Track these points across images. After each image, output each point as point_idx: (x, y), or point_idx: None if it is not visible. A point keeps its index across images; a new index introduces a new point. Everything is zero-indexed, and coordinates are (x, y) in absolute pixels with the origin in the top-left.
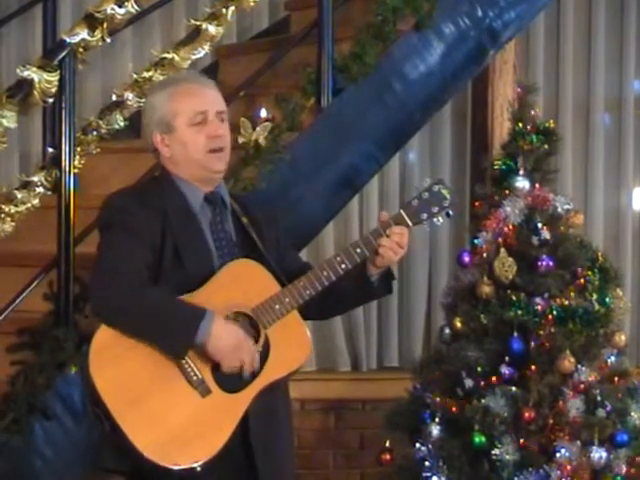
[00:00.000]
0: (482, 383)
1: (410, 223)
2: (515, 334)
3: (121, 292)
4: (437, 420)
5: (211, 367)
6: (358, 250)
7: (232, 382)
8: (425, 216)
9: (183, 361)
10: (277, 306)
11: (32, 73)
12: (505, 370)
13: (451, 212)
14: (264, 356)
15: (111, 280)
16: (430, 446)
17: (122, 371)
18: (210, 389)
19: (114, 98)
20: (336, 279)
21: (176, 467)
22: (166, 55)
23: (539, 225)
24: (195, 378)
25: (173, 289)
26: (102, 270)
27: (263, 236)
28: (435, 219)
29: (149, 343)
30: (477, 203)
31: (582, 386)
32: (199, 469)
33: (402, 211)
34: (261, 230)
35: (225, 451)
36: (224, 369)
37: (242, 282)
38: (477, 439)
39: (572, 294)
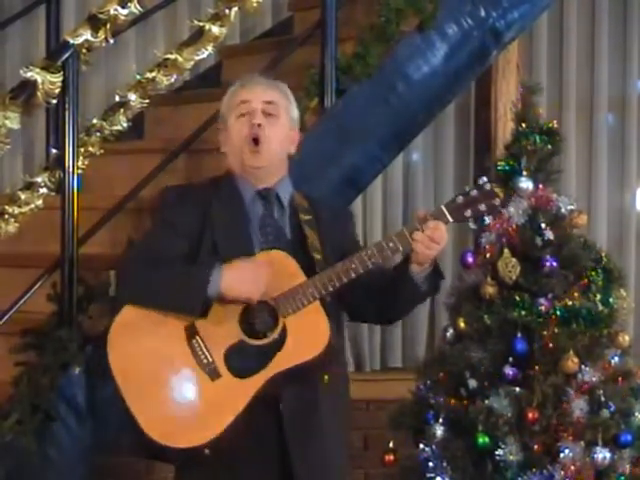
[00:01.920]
0: (486, 383)
1: (450, 219)
2: (519, 334)
3: (139, 268)
4: (441, 420)
5: (224, 351)
6: (391, 244)
7: (243, 367)
8: (469, 213)
9: (195, 343)
10: (299, 296)
11: (35, 74)
12: (509, 370)
13: (502, 210)
14: (280, 344)
15: (133, 261)
16: (434, 446)
17: (135, 350)
18: (220, 373)
19: (117, 99)
20: (365, 272)
21: (178, 447)
22: (169, 56)
23: (543, 225)
24: (205, 361)
25: None
26: (129, 255)
27: (325, 236)
28: (482, 217)
29: (170, 311)
30: None
31: (586, 386)
32: (207, 451)
33: (443, 206)
34: (323, 229)
35: (257, 442)
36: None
37: (270, 271)
38: (481, 439)
39: (576, 294)
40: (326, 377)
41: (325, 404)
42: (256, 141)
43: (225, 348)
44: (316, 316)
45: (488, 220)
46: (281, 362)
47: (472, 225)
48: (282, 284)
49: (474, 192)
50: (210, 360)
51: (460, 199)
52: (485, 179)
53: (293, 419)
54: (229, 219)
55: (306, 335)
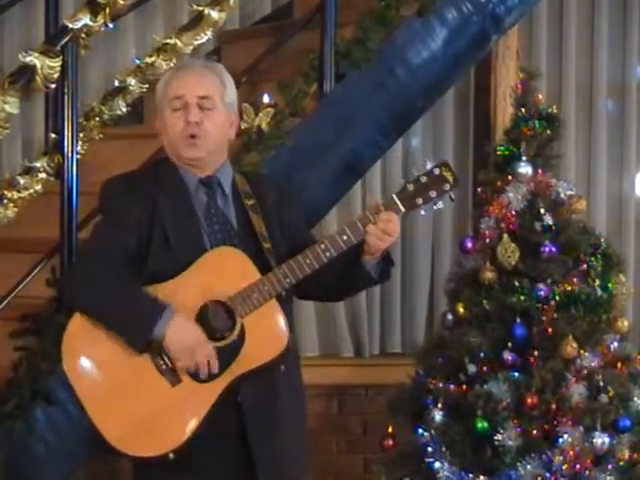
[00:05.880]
0: (485, 369)
1: (402, 209)
2: (518, 320)
3: (89, 278)
4: (440, 406)
5: None
6: (344, 237)
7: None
8: (420, 201)
9: (153, 349)
10: (255, 295)
11: (34, 59)
12: (508, 356)
13: (453, 196)
14: (239, 345)
15: (82, 266)
16: (433, 432)
17: (93, 360)
18: (180, 378)
19: (117, 84)
20: (320, 267)
21: (145, 456)
22: (169, 41)
23: (542, 211)
24: (164, 367)
25: (159, 274)
26: (79, 257)
27: (270, 219)
28: (433, 204)
29: (113, 333)
30: (480, 189)
31: (585, 372)
32: (172, 456)
33: (394, 196)
34: (269, 213)
35: (218, 437)
36: (177, 368)
37: (223, 270)
38: (480, 425)
39: (575, 280)
40: (282, 367)
41: (283, 393)
42: (193, 136)
43: None
44: (273, 316)
45: (436, 207)
46: (242, 365)
47: (423, 212)
48: (236, 282)
49: (424, 179)
50: (170, 366)
51: (410, 187)
52: (432, 164)
53: (253, 411)
54: (177, 210)
55: (264, 336)
